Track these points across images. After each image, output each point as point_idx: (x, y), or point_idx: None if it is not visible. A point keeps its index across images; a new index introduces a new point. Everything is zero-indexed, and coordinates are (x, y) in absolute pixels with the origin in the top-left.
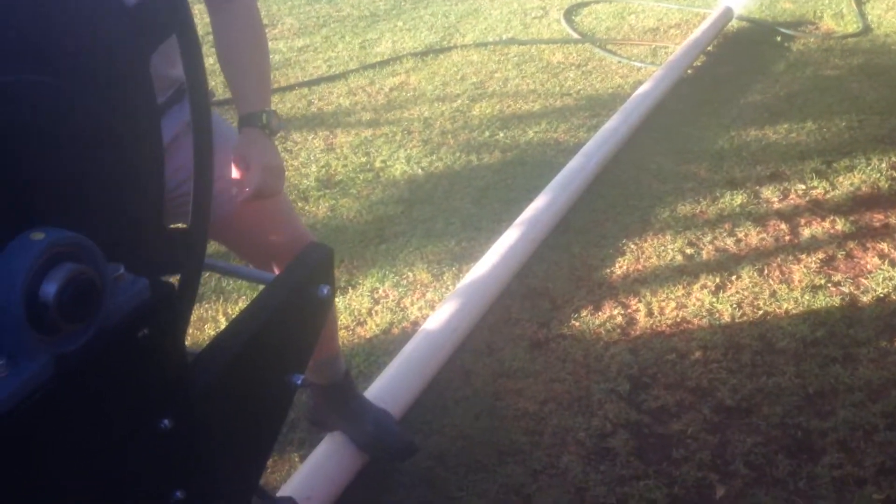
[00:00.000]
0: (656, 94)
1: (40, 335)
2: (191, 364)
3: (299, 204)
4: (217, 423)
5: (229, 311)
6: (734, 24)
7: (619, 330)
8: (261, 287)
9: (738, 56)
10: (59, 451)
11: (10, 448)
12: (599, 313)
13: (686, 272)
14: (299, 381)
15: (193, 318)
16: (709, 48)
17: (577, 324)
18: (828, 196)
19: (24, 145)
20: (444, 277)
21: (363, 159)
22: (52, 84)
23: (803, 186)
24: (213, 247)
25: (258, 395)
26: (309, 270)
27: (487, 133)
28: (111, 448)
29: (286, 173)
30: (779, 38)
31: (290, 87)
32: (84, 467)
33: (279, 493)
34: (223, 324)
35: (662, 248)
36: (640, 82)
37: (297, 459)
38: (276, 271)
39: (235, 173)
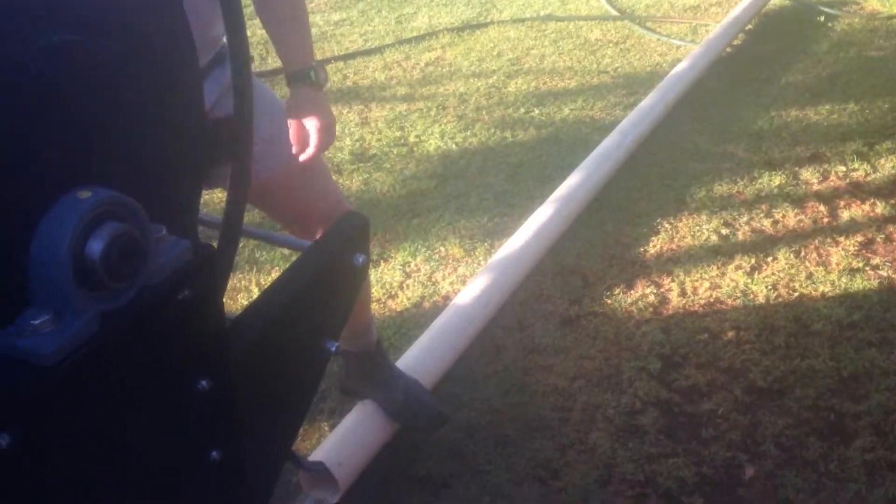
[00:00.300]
0: (694, 73)
1: (86, 292)
2: (229, 327)
3: (334, 177)
4: (253, 386)
5: (262, 281)
6: (776, 2)
7: (651, 309)
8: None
9: (780, 35)
10: (100, 407)
11: (54, 401)
12: (632, 291)
13: (721, 252)
14: (333, 348)
15: (227, 288)
16: (749, 27)
17: (609, 301)
18: (868, 178)
19: (69, 106)
20: (476, 253)
21: (397, 134)
22: (94, 44)
23: (844, 168)
24: (247, 217)
25: (293, 359)
26: (345, 239)
27: (522, 110)
28: (150, 407)
29: None
30: (822, 18)
31: (326, 61)
32: (124, 425)
33: (310, 458)
34: (256, 294)
35: (697, 227)
36: (680, 61)
37: (327, 428)
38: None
39: (293, 132)
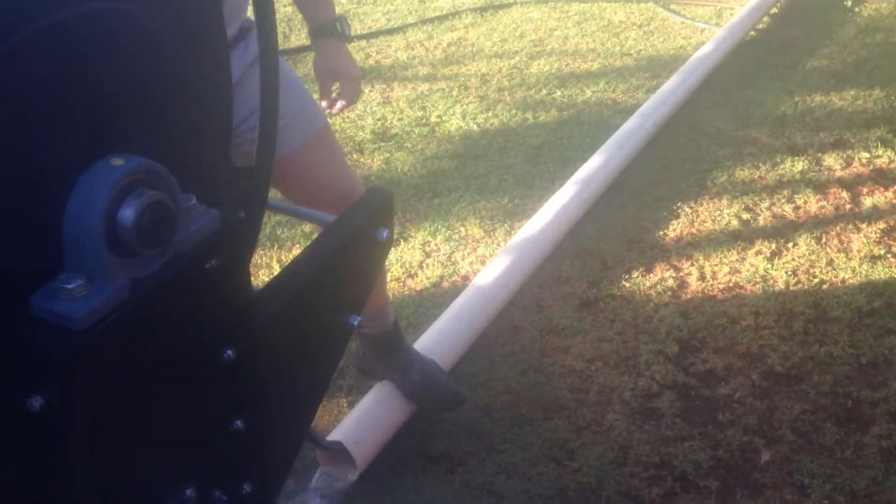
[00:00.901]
0: (717, 56)
1: (117, 258)
2: (254, 298)
3: (354, 156)
4: (277, 357)
5: (283, 258)
6: None
7: (669, 292)
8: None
9: (806, 20)
10: (129, 372)
11: (85, 365)
12: (651, 275)
13: (741, 237)
14: (356, 323)
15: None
16: (774, 11)
17: (628, 285)
18: (892, 165)
19: (105, 72)
20: (496, 233)
21: (419, 114)
22: (129, 11)
23: (867, 155)
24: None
25: (316, 333)
26: (370, 213)
27: (544, 91)
28: (177, 374)
29: (342, 125)
30: (848, 3)
31: (344, 16)
32: (151, 391)
33: (329, 438)
34: (277, 270)
35: (718, 212)
36: (704, 44)
37: (345, 405)
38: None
39: (321, 87)
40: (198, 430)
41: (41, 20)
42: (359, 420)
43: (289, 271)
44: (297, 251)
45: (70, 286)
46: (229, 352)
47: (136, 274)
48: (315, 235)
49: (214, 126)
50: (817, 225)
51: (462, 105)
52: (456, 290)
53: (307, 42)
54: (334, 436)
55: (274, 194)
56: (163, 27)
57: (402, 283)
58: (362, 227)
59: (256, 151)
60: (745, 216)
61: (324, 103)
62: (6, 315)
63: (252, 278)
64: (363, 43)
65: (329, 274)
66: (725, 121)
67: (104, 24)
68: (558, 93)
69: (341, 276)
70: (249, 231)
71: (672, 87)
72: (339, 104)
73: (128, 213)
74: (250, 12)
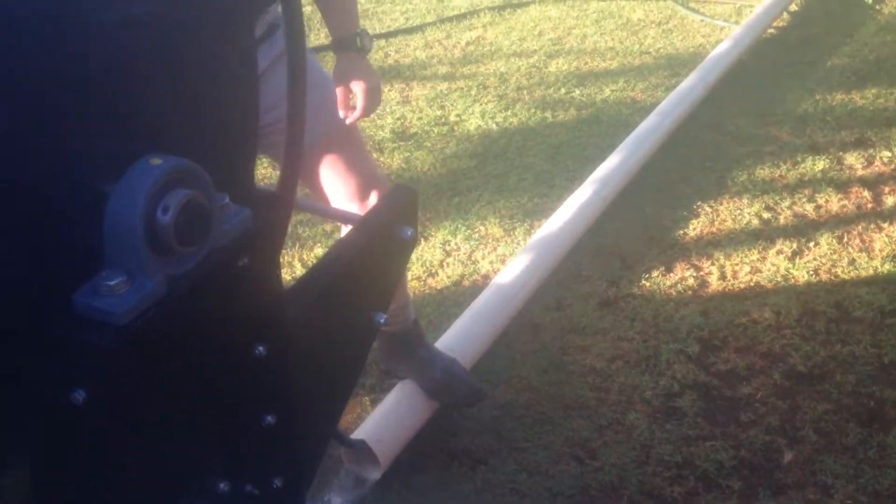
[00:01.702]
0: (735, 54)
1: (156, 256)
2: (284, 295)
3: (374, 155)
4: (306, 354)
5: (305, 256)
6: None
7: (690, 292)
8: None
9: (826, 18)
10: (166, 368)
11: (126, 360)
12: (671, 274)
13: (762, 236)
14: (382, 320)
15: None
16: (794, 8)
17: (648, 284)
18: None
19: (146, 75)
20: (516, 232)
21: (438, 113)
22: (172, 14)
23: (889, 154)
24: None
25: (344, 329)
26: (395, 211)
27: (563, 90)
28: (211, 370)
29: (361, 124)
30: (869, 1)
31: (366, 31)
32: (187, 386)
33: (352, 436)
34: (299, 269)
35: (738, 211)
36: (722, 41)
37: (367, 403)
38: (356, 211)
39: (340, 97)
40: (230, 424)
41: (88, 23)
42: (382, 418)
43: (317, 269)
44: (318, 250)
45: (111, 283)
46: (261, 348)
47: (173, 271)
48: (336, 235)
49: (244, 125)
50: (839, 224)
51: (481, 104)
52: (476, 289)
53: (326, 41)
54: (358, 434)
55: (300, 190)
56: (200, 29)
57: (422, 282)
58: (388, 224)
59: (284, 150)
60: (766, 215)
61: (341, 113)
62: (50, 311)
63: None
64: (382, 42)
65: (356, 271)
66: (745, 119)
67: (148, 28)
68: (577, 91)
69: (368, 274)
70: (279, 229)
71: (691, 84)
72: (354, 114)
73: (165, 212)
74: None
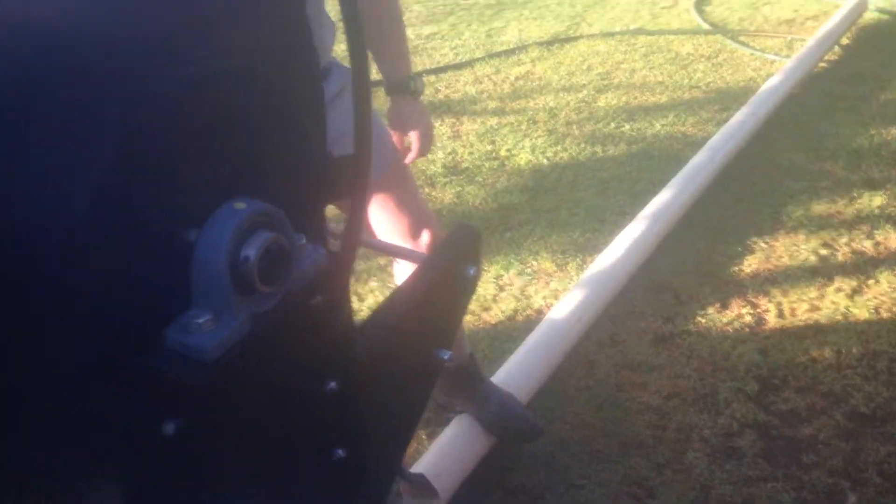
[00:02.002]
0: (787, 87)
1: (240, 295)
2: (354, 332)
3: (426, 189)
4: (375, 389)
5: (360, 290)
6: (875, 16)
7: (747, 329)
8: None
9: (879, 51)
10: (248, 402)
11: (213, 394)
12: (727, 311)
13: (820, 273)
14: (446, 357)
15: None
16: (846, 42)
17: (703, 321)
18: None
19: (231, 125)
20: (568, 268)
21: (489, 147)
22: (254, 69)
23: None
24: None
25: (410, 366)
26: (459, 250)
27: (613, 124)
28: (287, 404)
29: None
30: None
31: (418, 75)
32: (265, 420)
33: (411, 470)
34: (354, 303)
35: (795, 247)
36: (773, 75)
37: (424, 437)
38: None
39: (396, 140)
40: (304, 458)
41: (156, 89)
42: (440, 452)
43: (385, 306)
44: (373, 283)
45: (200, 321)
46: (333, 384)
47: (256, 309)
48: (390, 269)
49: (316, 165)
50: None
51: (531, 139)
52: (530, 324)
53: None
54: (416, 468)
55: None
56: (277, 79)
57: (476, 317)
58: (452, 263)
59: (350, 188)
60: (824, 252)
61: (396, 155)
62: (142, 346)
63: None
64: (432, 78)
65: (422, 309)
66: (798, 153)
67: (220, 85)
68: (627, 126)
69: (433, 312)
70: (347, 266)
71: (742, 119)
72: (410, 156)
73: (250, 253)
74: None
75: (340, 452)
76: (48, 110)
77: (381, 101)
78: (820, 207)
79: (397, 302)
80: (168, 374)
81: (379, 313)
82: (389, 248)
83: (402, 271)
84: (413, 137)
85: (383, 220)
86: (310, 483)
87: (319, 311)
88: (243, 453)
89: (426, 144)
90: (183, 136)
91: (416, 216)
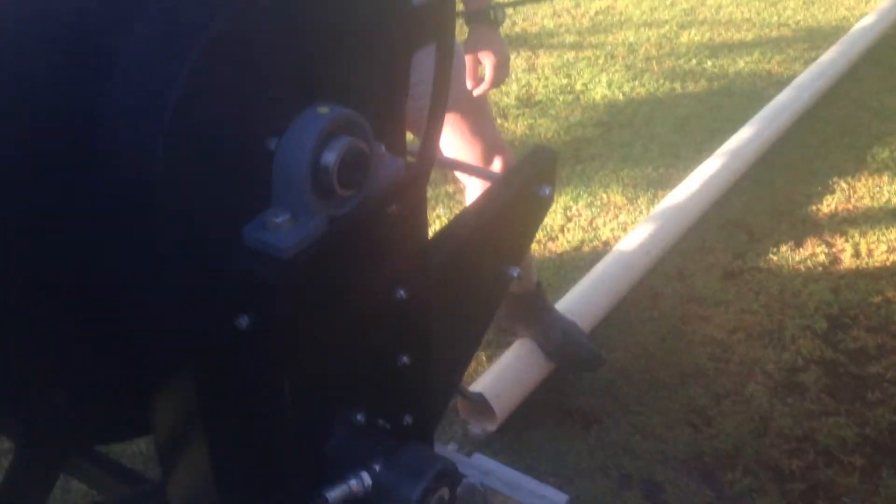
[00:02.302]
0: (881, 27)
1: (319, 197)
2: (427, 244)
3: (499, 121)
4: (443, 301)
5: (428, 216)
6: None
7: (820, 268)
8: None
9: None
10: (321, 302)
11: (288, 291)
12: (800, 249)
13: None
14: (515, 274)
15: None
16: None
17: (775, 258)
18: None
19: (317, 27)
20: (639, 202)
21: (564, 81)
22: None
23: None
24: None
25: (479, 280)
26: (535, 170)
27: (694, 61)
28: (357, 308)
29: None
30: None
31: (499, 5)
32: (336, 321)
33: (470, 389)
34: None
35: (878, 188)
36: (867, 14)
37: (483, 359)
38: None
39: (469, 68)
40: (370, 361)
41: None
42: (500, 374)
43: (459, 220)
44: (440, 210)
45: (279, 220)
46: (402, 292)
47: (333, 212)
48: (459, 197)
49: (399, 80)
50: None
51: (608, 73)
52: (596, 255)
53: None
54: (475, 387)
55: None
56: None
57: (542, 246)
58: (527, 182)
59: (430, 102)
60: None
61: (469, 84)
62: (222, 243)
63: None
64: (510, 11)
65: (495, 225)
66: (890, 94)
67: None
68: (709, 63)
69: (505, 228)
70: (424, 179)
71: (832, 58)
72: (483, 85)
73: (330, 157)
74: None
75: (405, 359)
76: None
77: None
78: None
79: (471, 217)
80: (245, 270)
81: (452, 227)
82: (465, 166)
83: (473, 198)
84: (488, 67)
85: (457, 146)
86: (375, 385)
87: (394, 220)
88: (312, 352)
89: (501, 75)
90: (266, 41)
91: (490, 144)
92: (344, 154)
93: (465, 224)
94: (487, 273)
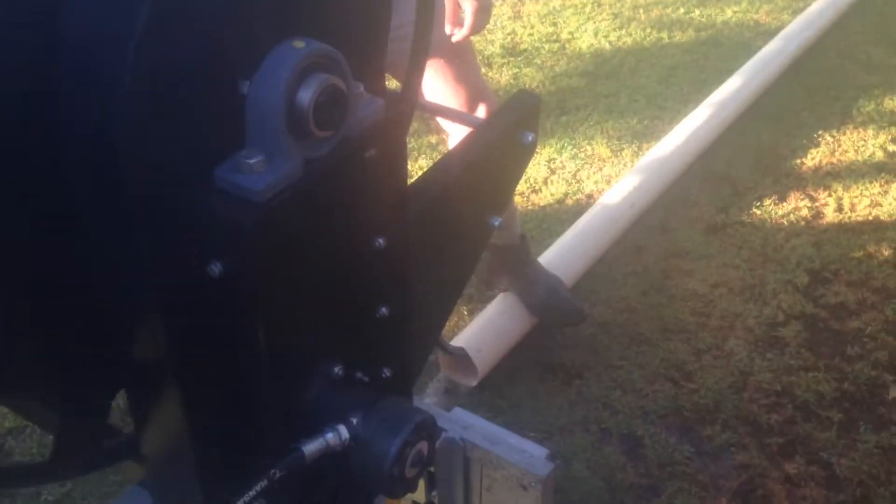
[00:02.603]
0: None
1: (294, 138)
2: (405, 191)
3: (483, 70)
4: (423, 250)
5: (410, 167)
6: None
7: (803, 222)
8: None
9: None
10: (296, 249)
11: (262, 237)
12: (784, 203)
13: (885, 170)
14: (497, 223)
15: None
16: None
17: (759, 212)
18: None
19: None
20: (623, 154)
21: (550, 29)
22: None
23: None
24: None
25: (459, 229)
26: (517, 115)
27: (682, 10)
28: (334, 257)
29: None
30: None
31: None
32: (312, 270)
33: (452, 343)
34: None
35: (862, 142)
36: None
37: (465, 313)
38: None
39: (449, 12)
40: (348, 312)
41: None
42: (481, 328)
43: (439, 167)
44: (422, 161)
45: (251, 161)
46: (381, 240)
47: (309, 154)
48: (442, 147)
49: (379, 15)
50: None
51: (595, 22)
52: (580, 208)
53: None
54: (457, 341)
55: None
56: None
57: (526, 199)
58: (509, 128)
59: (412, 46)
60: (892, 148)
61: (448, 28)
62: (191, 185)
63: None
64: None
65: (476, 172)
66: (877, 47)
67: None
68: (696, 12)
69: (487, 176)
70: (405, 123)
71: (820, 8)
72: (462, 31)
73: (306, 95)
74: None
75: (384, 310)
76: None
77: None
78: (893, 103)
79: (451, 163)
80: (216, 213)
81: (432, 173)
82: (448, 111)
83: None
84: (468, 11)
85: (440, 92)
86: (353, 337)
87: (373, 165)
88: (287, 302)
89: (481, 20)
90: None
91: (474, 90)
92: (320, 92)
93: (446, 170)
94: (469, 222)
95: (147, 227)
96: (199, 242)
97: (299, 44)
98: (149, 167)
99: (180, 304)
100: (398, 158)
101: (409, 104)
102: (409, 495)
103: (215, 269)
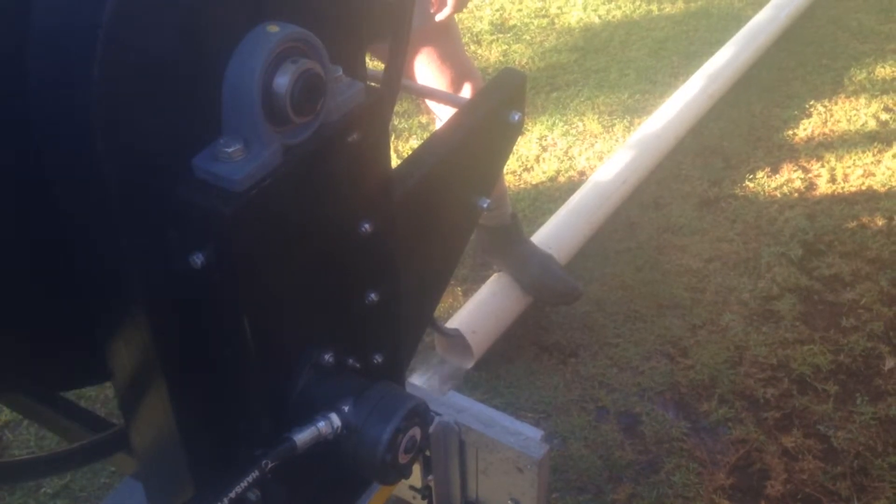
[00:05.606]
0: None
1: (272, 125)
2: (391, 174)
3: (472, 47)
4: (411, 234)
5: (400, 148)
6: None
7: (796, 194)
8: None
9: None
10: (278, 237)
11: (242, 226)
12: (776, 175)
13: (878, 139)
14: (485, 205)
15: None
16: None
17: (751, 185)
18: None
19: None
20: (615, 129)
21: (538, 4)
22: None
23: None
24: None
25: (447, 211)
26: (503, 94)
27: None
28: (319, 245)
29: (458, 16)
30: None
31: None
32: (297, 258)
33: (447, 325)
34: (395, 161)
35: (854, 111)
36: None
37: (460, 293)
38: None
39: None
40: (336, 298)
41: None
42: (476, 309)
43: (424, 149)
44: (413, 141)
45: (229, 150)
46: (367, 225)
47: (288, 141)
48: (432, 127)
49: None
50: None
51: None
52: (572, 185)
53: None
54: (452, 323)
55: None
56: None
57: (518, 177)
58: (495, 108)
59: (392, 29)
60: (884, 116)
61: (432, 9)
62: (170, 176)
63: None
64: None
65: (462, 153)
66: (868, 14)
67: None
68: None
69: (473, 157)
70: (387, 108)
71: None
72: (444, 10)
73: (282, 81)
74: None
75: (373, 296)
76: None
77: None
78: (885, 71)
79: (437, 144)
80: (195, 203)
81: (417, 155)
82: (433, 92)
83: None
84: None
85: (426, 72)
86: (342, 324)
87: (356, 150)
88: (272, 291)
89: None
90: None
91: (460, 69)
92: (297, 77)
93: (431, 152)
94: (456, 204)
95: (128, 220)
96: (180, 234)
97: (273, 28)
98: (125, 160)
99: (164, 295)
100: (381, 142)
101: (391, 86)
102: (404, 480)
103: (197, 260)
